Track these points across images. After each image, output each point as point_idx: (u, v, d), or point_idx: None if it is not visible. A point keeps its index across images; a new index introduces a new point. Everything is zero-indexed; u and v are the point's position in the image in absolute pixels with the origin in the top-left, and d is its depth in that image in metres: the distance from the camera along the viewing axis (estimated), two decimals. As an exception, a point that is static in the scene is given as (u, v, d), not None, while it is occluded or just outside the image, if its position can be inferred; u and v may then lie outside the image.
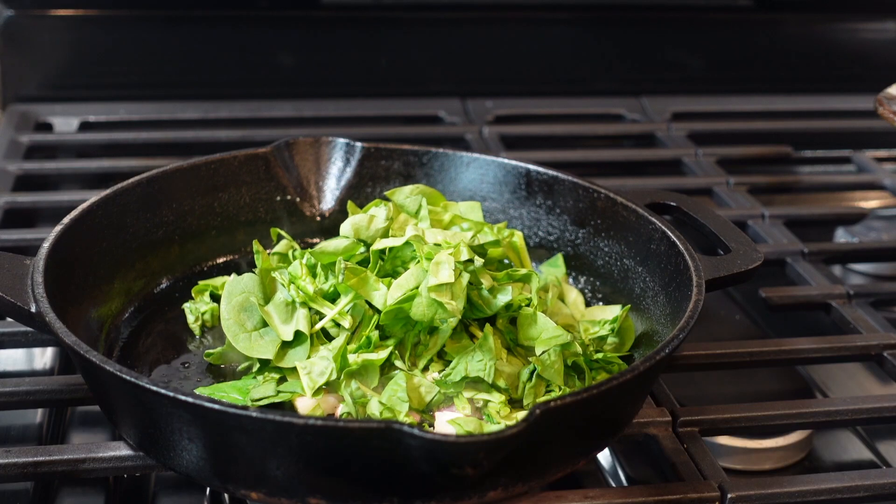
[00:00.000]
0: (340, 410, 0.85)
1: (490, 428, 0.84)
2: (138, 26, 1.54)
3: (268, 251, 1.01)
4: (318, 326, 0.91)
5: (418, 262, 0.90)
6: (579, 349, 0.89)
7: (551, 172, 1.08)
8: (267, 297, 0.93)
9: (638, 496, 0.81)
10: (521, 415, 0.84)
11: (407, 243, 0.93)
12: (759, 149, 1.53)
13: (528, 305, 0.91)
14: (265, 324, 0.91)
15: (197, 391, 0.87)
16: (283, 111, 1.54)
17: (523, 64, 1.65)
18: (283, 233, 1.03)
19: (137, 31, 1.55)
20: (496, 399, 0.86)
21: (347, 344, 0.89)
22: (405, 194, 1.02)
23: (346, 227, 0.97)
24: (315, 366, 0.87)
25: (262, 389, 0.87)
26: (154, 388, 0.74)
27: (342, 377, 0.86)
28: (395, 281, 0.89)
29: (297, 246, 1.01)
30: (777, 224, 1.28)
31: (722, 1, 1.68)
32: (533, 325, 0.90)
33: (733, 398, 0.98)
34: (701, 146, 1.49)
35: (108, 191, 0.99)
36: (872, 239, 1.33)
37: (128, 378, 0.75)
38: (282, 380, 0.89)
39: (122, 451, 0.82)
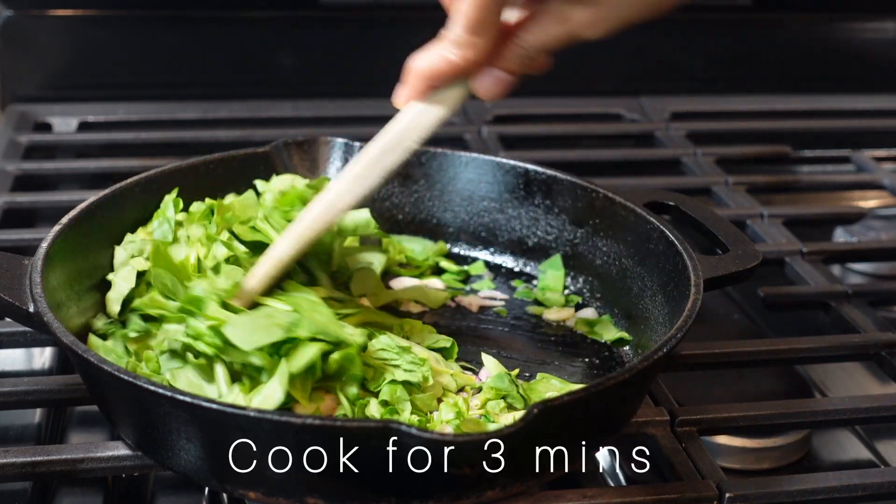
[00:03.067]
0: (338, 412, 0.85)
1: (489, 427, 0.84)
2: (138, 26, 1.54)
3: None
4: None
5: None
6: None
7: (550, 172, 1.08)
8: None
9: (636, 496, 0.81)
10: (518, 414, 0.84)
11: None
12: (757, 148, 1.53)
13: None
14: None
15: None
16: (282, 111, 1.54)
17: (522, 64, 1.65)
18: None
19: (137, 31, 1.55)
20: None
21: None
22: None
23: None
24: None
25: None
26: (152, 388, 0.74)
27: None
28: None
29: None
30: (776, 223, 1.28)
31: (721, 1, 1.68)
32: None
33: (732, 397, 0.98)
34: (700, 146, 1.49)
35: (106, 191, 0.99)
36: (871, 238, 1.33)
37: (125, 378, 0.75)
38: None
39: (120, 450, 0.82)
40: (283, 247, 0.91)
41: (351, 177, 0.90)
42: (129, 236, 0.99)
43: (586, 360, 0.98)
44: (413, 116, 0.88)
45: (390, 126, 0.89)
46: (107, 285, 0.97)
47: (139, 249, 0.98)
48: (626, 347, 0.99)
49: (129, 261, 0.97)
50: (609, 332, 1.00)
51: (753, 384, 1.08)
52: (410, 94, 0.87)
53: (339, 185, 0.90)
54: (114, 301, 0.94)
